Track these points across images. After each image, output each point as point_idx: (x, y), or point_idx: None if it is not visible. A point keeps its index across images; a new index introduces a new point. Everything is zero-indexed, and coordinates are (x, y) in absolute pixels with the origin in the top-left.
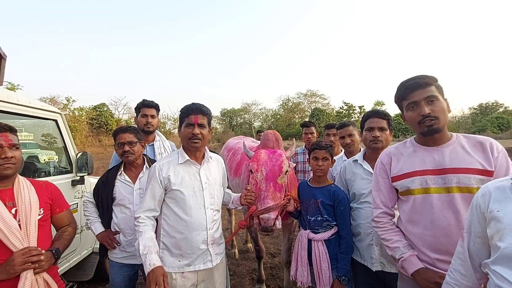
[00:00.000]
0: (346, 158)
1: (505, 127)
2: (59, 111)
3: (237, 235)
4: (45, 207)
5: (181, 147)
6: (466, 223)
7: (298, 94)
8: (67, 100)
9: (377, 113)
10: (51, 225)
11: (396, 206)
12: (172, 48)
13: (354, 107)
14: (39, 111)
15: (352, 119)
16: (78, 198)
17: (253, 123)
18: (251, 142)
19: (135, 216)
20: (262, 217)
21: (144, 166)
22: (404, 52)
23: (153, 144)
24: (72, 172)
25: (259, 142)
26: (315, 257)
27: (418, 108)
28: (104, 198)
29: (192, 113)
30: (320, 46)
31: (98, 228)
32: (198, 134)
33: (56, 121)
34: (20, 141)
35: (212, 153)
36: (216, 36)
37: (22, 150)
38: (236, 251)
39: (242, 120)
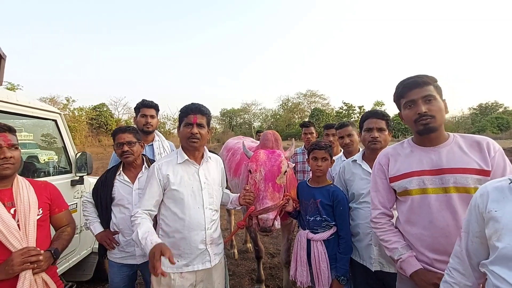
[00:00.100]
0: (345, 158)
1: (505, 127)
2: (58, 111)
3: (237, 235)
4: (44, 207)
5: (180, 147)
6: (464, 223)
7: (298, 94)
8: (67, 100)
9: (375, 114)
10: (50, 225)
11: (394, 206)
12: (172, 48)
13: (354, 107)
14: (38, 111)
15: (351, 119)
16: (78, 198)
17: (252, 123)
18: (250, 142)
19: (131, 214)
20: (261, 217)
21: (143, 166)
22: (404, 52)
23: (152, 144)
24: (71, 172)
25: (258, 142)
26: (314, 257)
27: (415, 107)
28: (103, 198)
29: (191, 112)
30: (320, 46)
31: (97, 228)
32: (197, 133)
33: (55, 121)
34: (19, 141)
35: (211, 153)
36: (216, 36)
37: (22, 150)
38: (236, 251)
39: (241, 120)
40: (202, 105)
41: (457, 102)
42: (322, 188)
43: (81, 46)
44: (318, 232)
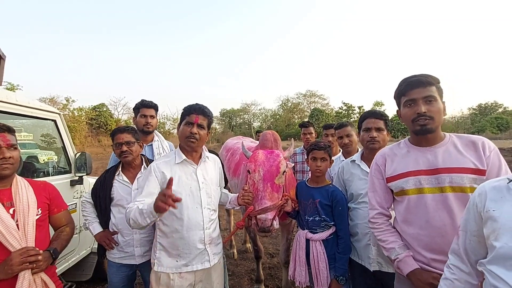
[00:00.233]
0: (344, 159)
1: (504, 128)
2: (57, 111)
3: (236, 235)
4: (43, 207)
5: (178, 146)
6: (462, 222)
7: (298, 94)
8: (67, 100)
9: (374, 114)
10: (49, 225)
11: (392, 206)
12: (172, 48)
13: (354, 107)
14: (38, 111)
15: (351, 119)
16: (77, 198)
17: (252, 123)
18: (250, 143)
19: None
20: (260, 218)
21: (142, 166)
22: (404, 52)
23: (151, 144)
24: (70, 172)
25: (258, 142)
26: (313, 257)
27: (415, 106)
28: (102, 199)
29: (194, 112)
30: (320, 46)
31: (96, 228)
32: (196, 134)
33: (55, 121)
34: (19, 141)
35: (211, 153)
36: (216, 36)
37: (21, 150)
38: (235, 251)
39: (241, 120)
40: (206, 107)
41: (457, 102)
42: (321, 188)
43: (81, 46)
44: (317, 232)
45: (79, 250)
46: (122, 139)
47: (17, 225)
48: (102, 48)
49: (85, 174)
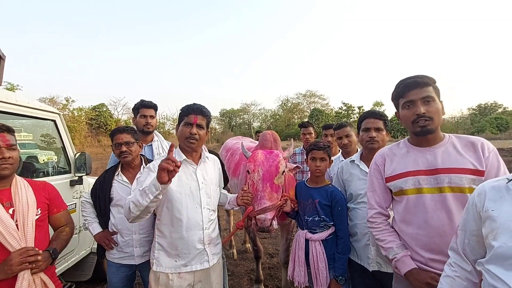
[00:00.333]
0: (343, 159)
1: (504, 128)
2: (57, 111)
3: (236, 235)
4: (43, 207)
5: (178, 146)
6: (461, 221)
7: (297, 94)
8: (66, 101)
9: (373, 114)
10: (49, 225)
11: (391, 206)
12: (172, 48)
13: (353, 107)
14: (37, 111)
15: (351, 119)
16: (77, 198)
17: (252, 124)
18: (249, 143)
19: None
20: (259, 218)
21: (142, 166)
22: (404, 53)
23: (151, 145)
24: (70, 173)
25: (257, 142)
26: (312, 257)
27: (414, 107)
28: (101, 199)
29: (193, 112)
30: (320, 46)
31: (96, 228)
32: (195, 134)
33: (54, 121)
34: (19, 141)
35: (211, 153)
36: (216, 36)
37: (21, 150)
38: (235, 251)
39: (241, 120)
40: (203, 106)
41: (457, 102)
42: (320, 188)
43: (80, 46)
44: (317, 232)
45: (79, 250)
46: (121, 139)
47: (17, 225)
48: (102, 48)
49: (84, 174)
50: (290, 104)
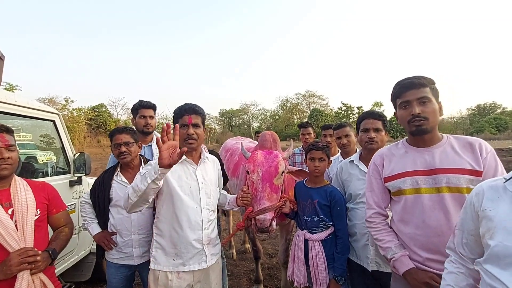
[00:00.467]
0: (343, 159)
1: (503, 128)
2: (56, 111)
3: (235, 236)
4: (42, 208)
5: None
6: (459, 221)
7: (297, 94)
8: (66, 101)
9: (372, 114)
10: (48, 225)
11: (389, 206)
12: (172, 48)
13: (353, 108)
14: (37, 111)
15: (350, 120)
16: (76, 198)
17: (251, 124)
18: (249, 143)
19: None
20: (258, 218)
21: (141, 166)
22: (404, 53)
23: (150, 145)
24: (69, 173)
25: (257, 142)
26: (311, 257)
27: (410, 108)
28: (100, 199)
29: (186, 113)
30: (320, 46)
31: (95, 229)
32: (193, 134)
33: (54, 121)
34: (18, 142)
35: (211, 153)
36: (216, 36)
37: (20, 151)
38: (234, 251)
39: (240, 120)
40: (195, 104)
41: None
42: (319, 189)
43: (80, 46)
44: (316, 232)
45: (78, 251)
46: (120, 139)
47: (16, 225)
48: (101, 48)
49: (84, 174)
50: (289, 105)
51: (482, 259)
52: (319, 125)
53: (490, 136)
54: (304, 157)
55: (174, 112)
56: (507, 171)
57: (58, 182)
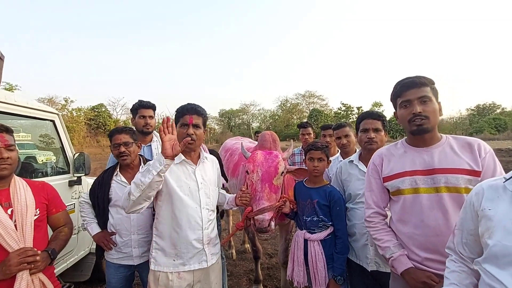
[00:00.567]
0: (342, 159)
1: (502, 128)
2: (56, 111)
3: (235, 236)
4: (41, 208)
5: None
6: (459, 220)
7: (297, 95)
8: (65, 101)
9: (371, 114)
10: (47, 225)
11: (388, 206)
12: (172, 49)
13: (352, 108)
14: (36, 111)
15: (350, 120)
16: (75, 198)
17: (251, 124)
18: (248, 143)
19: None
20: (257, 218)
21: (140, 166)
22: (403, 53)
23: (150, 145)
24: (69, 173)
25: (257, 142)
26: (311, 257)
27: (410, 107)
28: (100, 199)
29: (187, 113)
30: (319, 46)
31: (94, 229)
32: (193, 134)
33: (53, 121)
34: (17, 142)
35: (211, 153)
36: (216, 36)
37: (20, 151)
38: (234, 251)
39: (240, 120)
40: (198, 105)
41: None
42: (319, 189)
43: (80, 46)
44: (315, 232)
45: (78, 251)
46: (120, 139)
47: (15, 225)
48: (101, 48)
49: (83, 174)
50: (289, 105)
51: (481, 259)
52: (318, 125)
53: (489, 136)
54: (304, 157)
55: (176, 111)
56: (506, 171)
57: (57, 182)
